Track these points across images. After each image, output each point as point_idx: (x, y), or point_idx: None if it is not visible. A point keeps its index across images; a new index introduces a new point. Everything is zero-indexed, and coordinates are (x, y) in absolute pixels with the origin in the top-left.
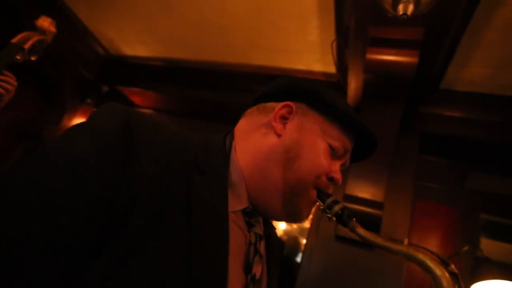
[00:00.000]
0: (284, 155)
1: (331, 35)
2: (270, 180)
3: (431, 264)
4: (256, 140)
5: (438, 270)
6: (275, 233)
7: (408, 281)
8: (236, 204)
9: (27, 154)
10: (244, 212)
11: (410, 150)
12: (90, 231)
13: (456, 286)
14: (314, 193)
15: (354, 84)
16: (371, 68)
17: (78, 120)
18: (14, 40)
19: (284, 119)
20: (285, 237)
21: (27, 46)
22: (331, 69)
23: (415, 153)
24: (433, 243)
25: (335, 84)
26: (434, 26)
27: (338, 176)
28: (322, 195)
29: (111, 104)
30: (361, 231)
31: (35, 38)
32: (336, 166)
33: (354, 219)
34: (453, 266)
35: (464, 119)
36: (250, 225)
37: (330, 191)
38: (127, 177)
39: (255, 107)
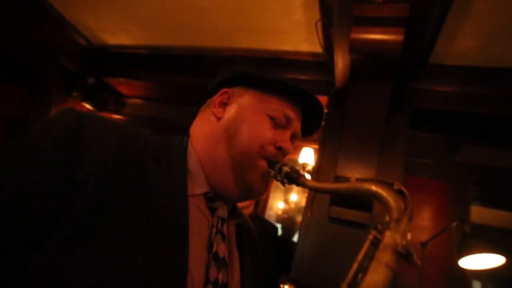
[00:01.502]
0: (225, 133)
1: (316, 14)
2: (218, 159)
3: (376, 188)
4: (203, 128)
5: (383, 192)
6: (248, 222)
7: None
8: (196, 188)
9: None
10: (206, 197)
11: (401, 127)
12: (36, 211)
13: (403, 203)
14: (263, 164)
15: (341, 64)
16: (357, 48)
17: None
18: None
19: (224, 104)
20: (285, 215)
21: None
22: (319, 49)
23: (406, 129)
24: (425, 217)
25: (322, 64)
26: (419, 1)
27: (285, 144)
28: (271, 163)
29: (67, 107)
30: (310, 183)
31: None
32: (284, 135)
33: (303, 174)
34: (397, 184)
35: (455, 93)
36: (213, 210)
37: (281, 159)
38: (77, 162)
39: (205, 104)
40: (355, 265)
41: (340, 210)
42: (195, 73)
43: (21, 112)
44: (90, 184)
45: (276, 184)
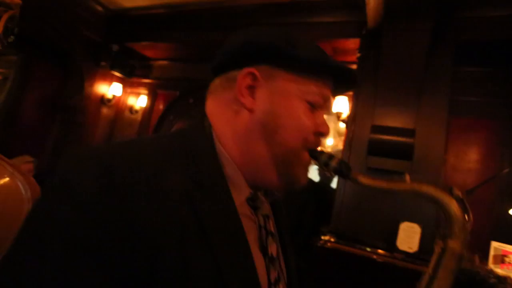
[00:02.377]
0: (263, 130)
1: None
2: (258, 159)
3: (436, 193)
4: (230, 121)
5: (445, 198)
6: (278, 198)
7: None
8: (239, 196)
9: (63, 128)
10: (248, 199)
11: (443, 64)
12: None
13: (463, 210)
14: (306, 155)
15: (373, 1)
16: None
17: (98, 85)
18: None
19: (251, 88)
20: None
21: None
22: None
23: (450, 66)
24: (472, 160)
25: (352, 3)
26: None
27: (324, 128)
28: (315, 154)
29: (77, 157)
30: (363, 180)
31: (4, 18)
32: (320, 118)
33: (351, 168)
34: (456, 190)
35: (506, 18)
36: (255, 208)
37: (320, 146)
38: (128, 236)
39: (217, 81)
40: (427, 275)
41: (379, 160)
42: (214, 28)
43: (59, 88)
44: (154, 257)
45: None
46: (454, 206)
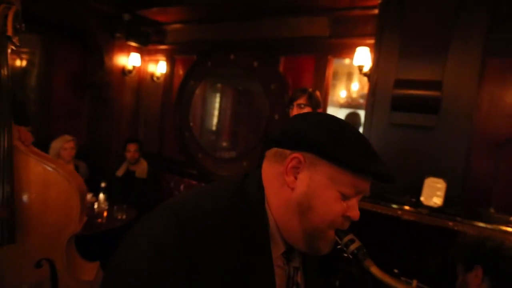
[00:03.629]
0: (298, 207)
1: None
2: (292, 230)
3: None
4: (277, 191)
5: None
6: None
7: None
8: (277, 251)
9: (92, 104)
10: (282, 252)
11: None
12: None
13: None
14: (332, 233)
15: None
16: None
17: (117, 58)
18: None
19: (295, 168)
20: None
21: (9, 32)
22: None
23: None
24: (508, 105)
25: None
26: None
27: (353, 213)
28: (339, 233)
29: (160, 225)
30: (374, 270)
31: (10, 16)
32: (352, 203)
33: (368, 257)
34: None
35: None
36: (288, 260)
37: (347, 226)
38: None
39: (273, 152)
40: None
41: (403, 115)
42: None
43: (82, 66)
44: None
45: (336, 72)
46: None
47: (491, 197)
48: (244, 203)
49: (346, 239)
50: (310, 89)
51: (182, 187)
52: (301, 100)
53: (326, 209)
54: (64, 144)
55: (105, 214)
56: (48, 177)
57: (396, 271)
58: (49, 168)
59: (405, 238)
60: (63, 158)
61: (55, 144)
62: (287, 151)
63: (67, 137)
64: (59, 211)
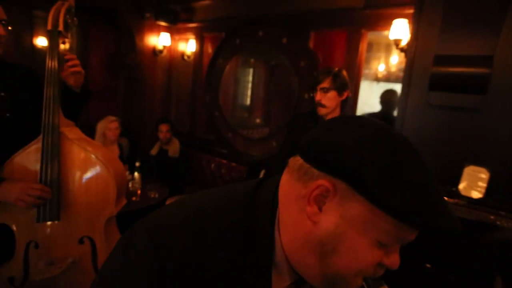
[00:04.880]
0: (319, 246)
1: None
2: (307, 268)
3: None
4: (295, 217)
5: None
6: None
7: None
8: (282, 281)
9: (126, 84)
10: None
11: None
12: None
13: None
14: (359, 281)
15: None
16: None
17: (148, 38)
18: (48, 27)
19: (321, 197)
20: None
21: (61, 27)
22: None
23: None
24: None
25: None
26: None
27: (391, 261)
28: (368, 282)
29: (136, 245)
30: None
31: (62, 12)
32: (391, 252)
33: None
34: None
35: None
36: None
37: (381, 273)
38: None
39: (297, 164)
40: None
41: (443, 96)
42: None
43: (114, 47)
44: None
45: (373, 43)
46: None
47: None
48: (248, 221)
49: (374, 286)
50: (336, 69)
51: (213, 166)
52: (325, 84)
53: (356, 257)
54: (108, 124)
55: (139, 192)
56: (89, 163)
57: (428, 266)
58: (90, 155)
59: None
60: (108, 138)
61: (101, 125)
62: (315, 172)
63: (111, 118)
64: (98, 195)
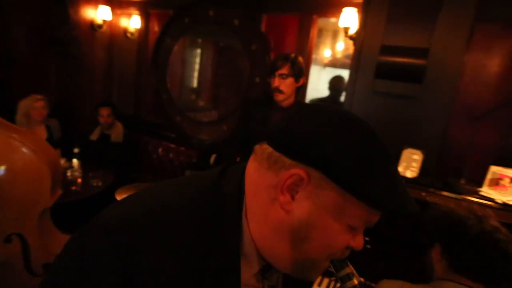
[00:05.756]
0: (292, 234)
1: None
2: (278, 255)
3: None
4: (265, 206)
5: None
6: None
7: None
8: (249, 270)
9: (60, 61)
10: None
11: None
12: None
13: None
14: (327, 263)
15: None
16: None
17: (84, 10)
18: None
19: (294, 186)
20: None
21: None
22: None
23: None
24: (491, 74)
25: None
26: None
27: (356, 244)
28: (336, 265)
29: (93, 242)
30: None
31: None
32: (357, 234)
33: None
34: None
35: None
36: (263, 277)
37: (347, 255)
38: None
39: (266, 153)
40: None
41: (386, 83)
42: None
43: (44, 18)
44: None
45: (322, 29)
46: None
47: (464, 168)
48: (213, 212)
49: (343, 273)
50: (293, 55)
51: (160, 150)
52: (284, 70)
53: (328, 242)
54: (34, 103)
55: (79, 181)
56: (13, 150)
57: (367, 238)
58: (13, 141)
59: None
60: (33, 118)
61: (24, 104)
62: (287, 160)
63: (37, 96)
64: (28, 185)
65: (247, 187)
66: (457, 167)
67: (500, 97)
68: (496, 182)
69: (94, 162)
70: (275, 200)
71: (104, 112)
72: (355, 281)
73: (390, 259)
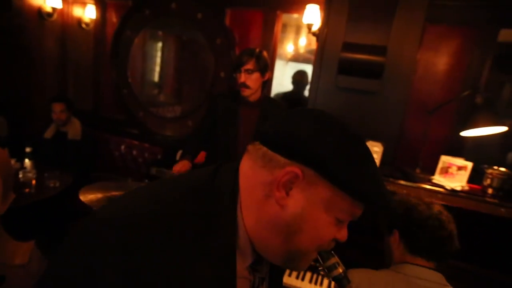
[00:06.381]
0: (286, 228)
1: None
2: (272, 248)
3: None
4: (259, 202)
5: None
6: None
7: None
8: (243, 263)
9: (6, 53)
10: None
11: None
12: None
13: None
14: (315, 254)
15: None
16: None
17: None
18: None
19: (289, 183)
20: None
21: None
22: None
23: None
24: (440, 71)
25: None
26: None
27: (341, 236)
28: (323, 255)
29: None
30: None
31: None
32: (343, 227)
33: (350, 282)
34: None
35: None
36: (254, 270)
37: (333, 246)
38: None
39: (260, 152)
40: None
41: (348, 79)
42: None
43: None
44: None
45: (286, 25)
46: None
47: (419, 158)
48: (208, 209)
49: (329, 262)
50: (258, 50)
51: (123, 147)
52: (249, 65)
53: (318, 234)
54: None
55: (33, 182)
56: None
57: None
58: None
59: None
60: None
61: None
62: (282, 159)
63: None
64: None
65: (242, 184)
66: (413, 158)
67: (448, 93)
68: (446, 171)
69: (49, 162)
70: (270, 196)
71: (57, 107)
72: (340, 270)
73: (355, 247)
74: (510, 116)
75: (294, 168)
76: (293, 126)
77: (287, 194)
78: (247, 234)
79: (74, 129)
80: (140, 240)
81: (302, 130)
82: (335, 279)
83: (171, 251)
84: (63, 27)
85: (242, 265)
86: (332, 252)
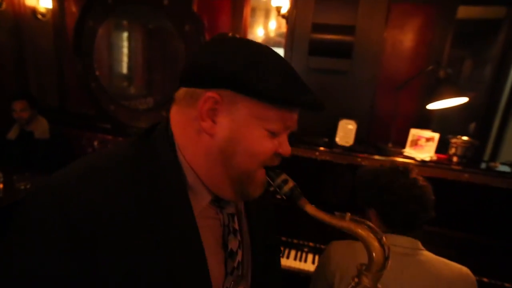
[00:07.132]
0: (221, 155)
1: None
2: (216, 178)
3: (368, 239)
4: (192, 139)
5: (374, 243)
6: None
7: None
8: (201, 202)
9: None
10: (211, 201)
11: None
12: None
13: (384, 257)
14: (262, 173)
15: None
16: None
17: None
18: None
19: (212, 111)
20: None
21: None
22: None
23: None
24: (407, 48)
25: None
26: None
27: (283, 149)
28: (271, 175)
29: (39, 200)
30: (309, 209)
31: None
32: (281, 139)
33: (303, 196)
34: (384, 239)
35: None
36: (221, 207)
37: (278, 162)
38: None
39: (182, 93)
40: None
41: (320, 60)
42: None
43: None
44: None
45: (254, 9)
46: (379, 252)
47: (390, 133)
48: (147, 157)
49: (279, 180)
50: (230, 34)
51: (96, 143)
52: None
53: (253, 150)
54: None
55: (1, 186)
56: None
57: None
58: None
59: (322, 176)
60: None
61: None
62: (199, 91)
63: None
64: None
65: (174, 128)
66: (385, 133)
67: (414, 69)
68: (415, 143)
69: (16, 163)
70: (200, 130)
71: (18, 106)
72: (291, 184)
73: None
74: (471, 88)
75: (211, 93)
76: (202, 56)
77: (214, 122)
78: (194, 172)
79: (41, 127)
80: (75, 201)
81: (208, 57)
82: (287, 195)
83: (113, 200)
84: (16, 18)
85: (200, 203)
86: (281, 170)
